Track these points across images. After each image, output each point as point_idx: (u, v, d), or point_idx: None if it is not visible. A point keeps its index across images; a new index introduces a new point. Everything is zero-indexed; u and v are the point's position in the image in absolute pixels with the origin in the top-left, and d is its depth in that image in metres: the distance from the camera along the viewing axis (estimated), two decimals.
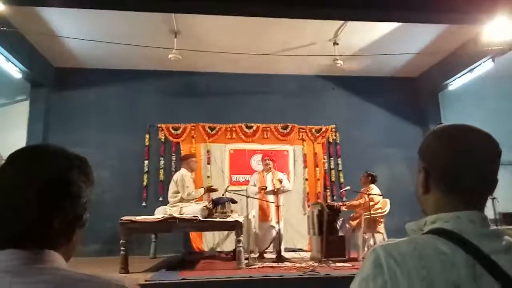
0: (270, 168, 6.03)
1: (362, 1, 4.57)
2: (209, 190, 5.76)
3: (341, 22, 6.05)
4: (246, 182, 7.36)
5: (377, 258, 0.80)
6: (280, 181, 5.97)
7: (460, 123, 0.92)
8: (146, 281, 3.88)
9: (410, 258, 0.78)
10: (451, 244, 0.79)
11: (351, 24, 6.07)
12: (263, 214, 5.89)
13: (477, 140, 0.87)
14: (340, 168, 7.84)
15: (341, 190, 7.07)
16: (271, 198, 5.82)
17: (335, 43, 6.69)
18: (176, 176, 5.72)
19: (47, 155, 0.79)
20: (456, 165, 0.86)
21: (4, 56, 5.94)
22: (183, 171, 5.74)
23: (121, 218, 4.74)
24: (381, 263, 0.79)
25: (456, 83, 7.44)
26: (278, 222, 5.56)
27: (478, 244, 0.79)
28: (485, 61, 6.57)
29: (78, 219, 0.79)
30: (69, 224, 0.78)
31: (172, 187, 5.66)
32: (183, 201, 5.48)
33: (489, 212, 6.16)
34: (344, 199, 7.17)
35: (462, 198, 0.87)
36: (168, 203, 5.68)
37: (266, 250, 6.08)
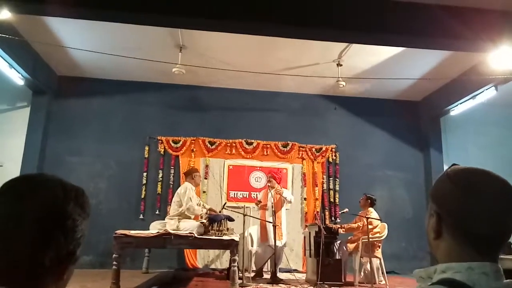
0: (269, 186, 5.96)
1: (367, 25, 4.59)
2: (211, 210, 5.71)
3: (346, 44, 6.08)
4: (244, 199, 7.30)
5: None
6: (280, 194, 5.89)
7: (476, 167, 0.88)
8: None
9: None
10: None
11: (356, 46, 6.10)
12: (262, 233, 5.83)
13: (494, 186, 0.83)
14: (337, 189, 7.77)
15: (339, 212, 6.99)
16: (270, 217, 5.73)
17: (339, 64, 6.72)
18: (181, 188, 5.69)
19: (43, 186, 0.74)
20: (471, 212, 0.82)
21: (8, 63, 5.94)
22: (187, 184, 5.71)
23: (115, 231, 4.66)
24: None
25: (458, 109, 7.43)
26: (275, 242, 5.46)
27: None
28: (487, 88, 6.58)
29: (71, 255, 0.75)
30: (61, 261, 0.73)
31: (175, 199, 5.62)
32: (182, 215, 5.41)
33: None
34: (338, 220, 7.10)
35: (476, 247, 0.82)
36: (166, 216, 5.61)
37: (263, 269, 6.00)
